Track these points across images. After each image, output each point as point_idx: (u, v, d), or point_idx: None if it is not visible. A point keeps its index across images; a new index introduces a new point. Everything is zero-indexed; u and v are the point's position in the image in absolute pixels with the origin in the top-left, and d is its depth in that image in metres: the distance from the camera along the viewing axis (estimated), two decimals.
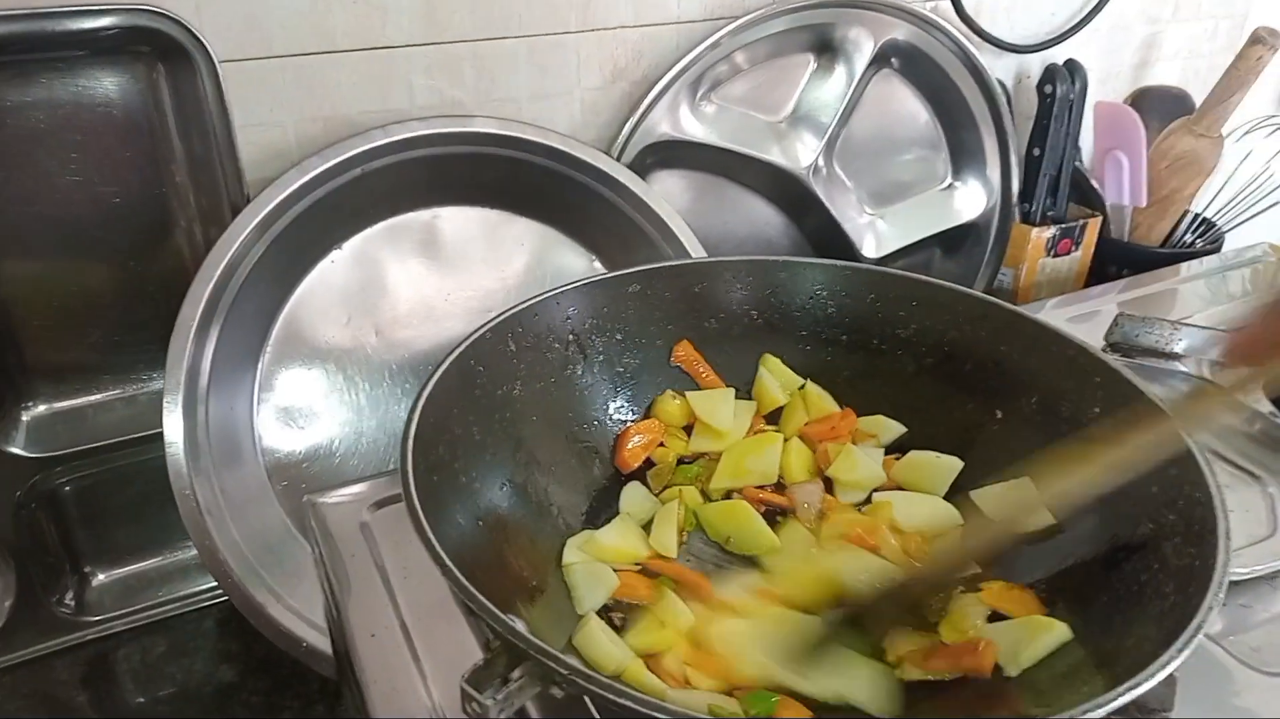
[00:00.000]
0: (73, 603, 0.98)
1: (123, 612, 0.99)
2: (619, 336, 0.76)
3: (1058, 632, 0.56)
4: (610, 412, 0.76)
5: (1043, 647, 0.56)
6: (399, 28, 0.89)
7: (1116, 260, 1.30)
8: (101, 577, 1.00)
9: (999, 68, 1.23)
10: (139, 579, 1.02)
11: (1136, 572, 0.56)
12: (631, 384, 0.77)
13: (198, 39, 0.78)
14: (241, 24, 0.83)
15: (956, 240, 1.25)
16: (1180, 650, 0.46)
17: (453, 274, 0.99)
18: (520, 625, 0.46)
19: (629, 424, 0.76)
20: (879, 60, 1.10)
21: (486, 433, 0.65)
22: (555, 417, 0.71)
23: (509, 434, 0.67)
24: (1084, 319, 1.13)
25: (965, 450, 0.71)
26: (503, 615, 0.45)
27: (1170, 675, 0.56)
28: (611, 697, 0.42)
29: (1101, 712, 0.44)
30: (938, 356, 0.74)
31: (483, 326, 0.68)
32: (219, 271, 0.83)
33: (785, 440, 0.74)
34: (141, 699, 0.96)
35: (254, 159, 0.87)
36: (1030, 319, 0.71)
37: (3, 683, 0.94)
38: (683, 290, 0.77)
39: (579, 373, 0.74)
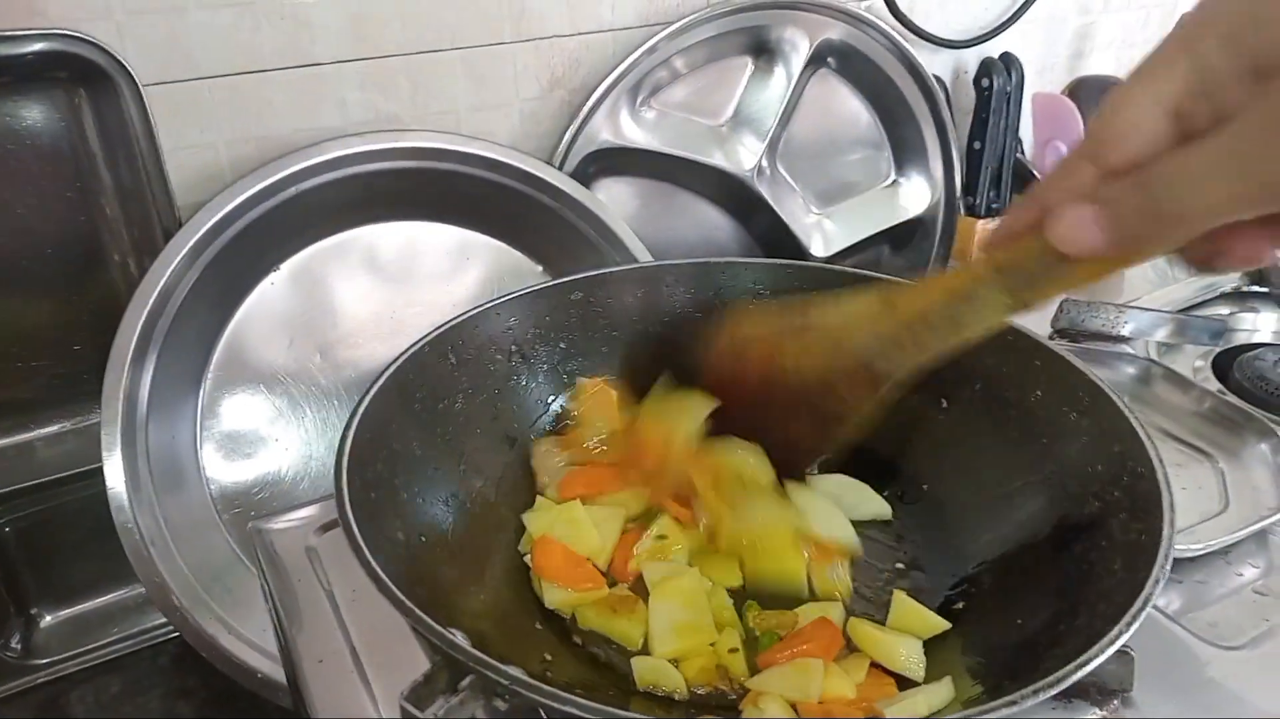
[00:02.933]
0: (20, 646, 0.95)
1: (73, 653, 0.96)
2: (563, 345, 0.75)
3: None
4: (559, 421, 0.75)
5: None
6: (327, 44, 0.88)
7: None
8: (49, 618, 0.98)
9: (936, 64, 1.24)
10: (89, 618, 0.99)
11: (1085, 551, 0.56)
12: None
13: (119, 63, 0.77)
14: (164, 45, 0.82)
15: (904, 236, 1.25)
16: (1129, 625, 0.46)
17: (398, 291, 0.98)
18: (462, 638, 0.45)
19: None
20: (816, 60, 1.11)
21: (428, 447, 0.64)
22: (501, 427, 0.70)
23: (452, 448, 0.66)
24: None
25: (913, 442, 0.70)
26: (442, 629, 0.44)
27: (1127, 654, 0.56)
28: (555, 704, 0.41)
29: (1054, 690, 0.44)
30: None
31: (420, 341, 0.67)
32: (152, 300, 0.82)
33: None
34: None
35: (186, 183, 0.86)
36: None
37: None
38: (626, 296, 0.77)
39: (524, 383, 0.73)
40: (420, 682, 0.44)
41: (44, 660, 0.95)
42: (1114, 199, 0.42)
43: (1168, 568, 0.48)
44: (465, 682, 0.43)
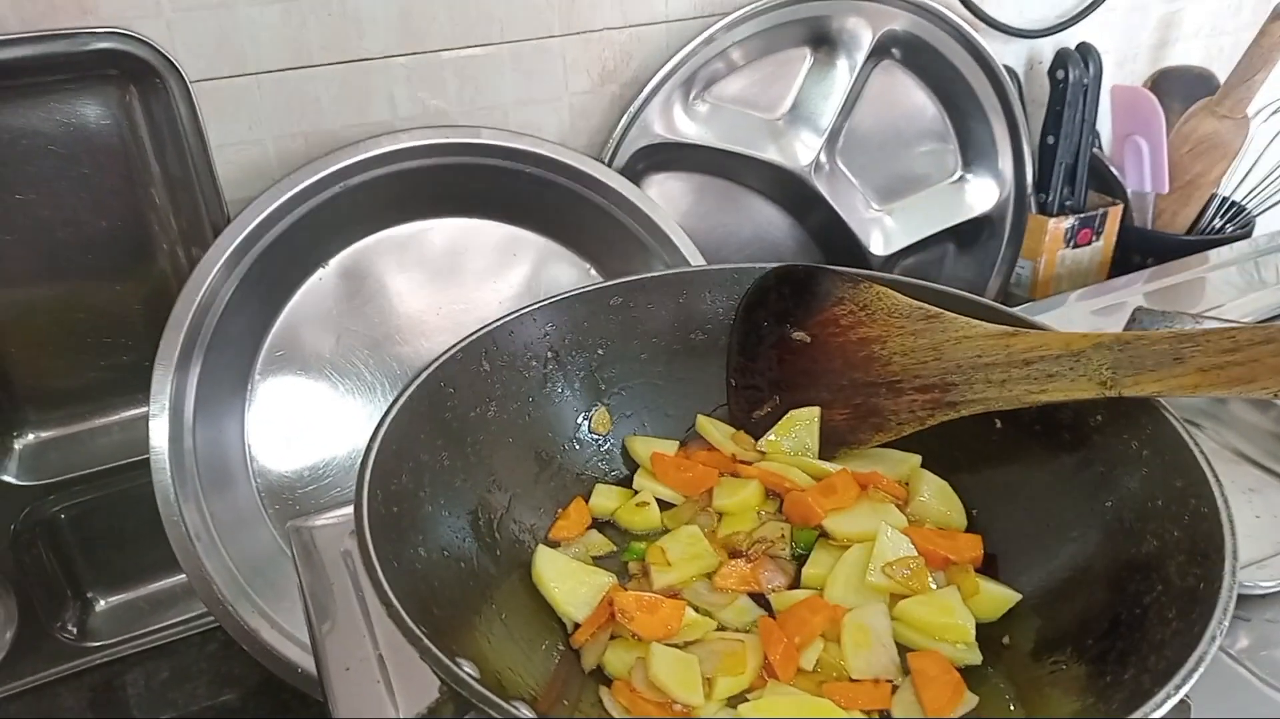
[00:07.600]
0: (75, 629, 0.98)
1: (126, 637, 0.98)
2: (600, 352, 0.73)
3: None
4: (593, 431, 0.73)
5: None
6: (376, 39, 0.87)
7: (1141, 249, 1.25)
8: (104, 602, 1.00)
9: (1008, 54, 1.18)
10: (142, 604, 1.01)
11: (1140, 593, 0.52)
12: (615, 401, 0.74)
13: (169, 60, 0.77)
14: (213, 42, 0.82)
15: (970, 234, 1.21)
16: (1178, 688, 0.43)
17: (445, 287, 0.98)
18: (470, 669, 0.44)
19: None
20: (879, 52, 1.07)
21: (457, 458, 0.63)
22: (532, 438, 0.69)
23: (481, 459, 0.64)
24: (1108, 312, 1.08)
25: (961, 463, 0.67)
26: (449, 660, 0.43)
27: (1183, 702, 0.53)
28: None
29: None
30: None
31: (453, 346, 0.66)
32: (200, 295, 0.82)
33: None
34: None
35: (234, 178, 0.86)
36: (1024, 320, 0.67)
37: (8, 711, 0.94)
38: (667, 302, 0.75)
39: (559, 390, 0.72)
40: (424, 714, 0.43)
41: (98, 644, 0.97)
42: None
43: (1226, 624, 0.45)
44: (468, 716, 0.42)
